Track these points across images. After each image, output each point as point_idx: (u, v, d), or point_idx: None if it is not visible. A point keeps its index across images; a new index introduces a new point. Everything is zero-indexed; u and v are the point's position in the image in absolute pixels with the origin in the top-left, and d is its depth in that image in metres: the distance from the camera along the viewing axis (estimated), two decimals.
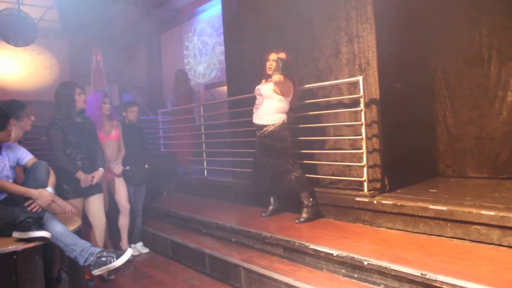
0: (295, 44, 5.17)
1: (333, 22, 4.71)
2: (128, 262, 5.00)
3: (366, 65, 4.39)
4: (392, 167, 4.57)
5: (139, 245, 5.50)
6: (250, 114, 5.57)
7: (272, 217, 4.85)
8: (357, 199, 4.19)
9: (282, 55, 4.46)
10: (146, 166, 5.46)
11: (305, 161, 4.93)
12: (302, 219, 4.45)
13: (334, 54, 4.72)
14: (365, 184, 4.26)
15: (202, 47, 11.01)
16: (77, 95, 4.20)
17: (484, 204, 3.53)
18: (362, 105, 4.25)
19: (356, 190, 4.38)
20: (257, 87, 4.65)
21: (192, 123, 7.77)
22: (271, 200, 4.97)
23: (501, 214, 3.20)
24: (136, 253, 5.38)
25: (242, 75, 6.04)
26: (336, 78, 4.69)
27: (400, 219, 3.85)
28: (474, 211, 3.35)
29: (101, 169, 4.36)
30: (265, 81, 4.61)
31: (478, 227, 3.35)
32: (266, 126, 4.51)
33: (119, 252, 3.31)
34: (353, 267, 3.33)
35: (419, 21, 5.20)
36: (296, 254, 3.83)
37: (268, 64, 4.52)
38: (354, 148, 4.51)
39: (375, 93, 4.34)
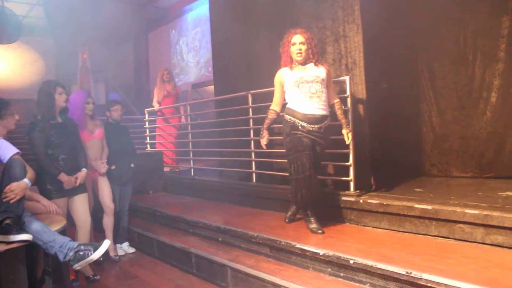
0: (276, 43, 5.17)
1: (319, 22, 4.73)
2: (114, 262, 5.05)
3: (352, 65, 4.42)
4: (378, 166, 4.60)
5: (125, 245, 5.45)
6: (237, 113, 5.60)
7: (259, 217, 4.84)
8: (343, 198, 4.21)
9: (310, 35, 4.00)
10: (132, 165, 5.41)
11: (285, 161, 4.94)
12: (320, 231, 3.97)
13: (320, 53, 4.72)
14: (351, 183, 4.28)
15: (190, 46, 10.99)
16: (58, 94, 4.13)
17: (468, 203, 3.57)
18: (349, 105, 4.27)
19: (342, 189, 4.39)
20: (301, 74, 3.92)
21: (178, 122, 7.74)
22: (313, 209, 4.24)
23: (485, 212, 3.23)
24: (122, 253, 5.34)
25: (229, 74, 6.03)
26: None
27: (386, 218, 3.88)
28: (458, 210, 3.39)
29: (84, 169, 4.31)
30: (298, 66, 4.00)
31: (462, 225, 3.39)
32: (328, 116, 3.97)
33: (96, 244, 3.26)
34: (339, 266, 3.33)
35: (406, 22, 5.24)
36: (283, 253, 3.83)
37: (295, 49, 3.93)
38: (339, 149, 4.51)
39: (362, 93, 4.37)
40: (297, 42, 3.93)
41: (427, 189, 4.43)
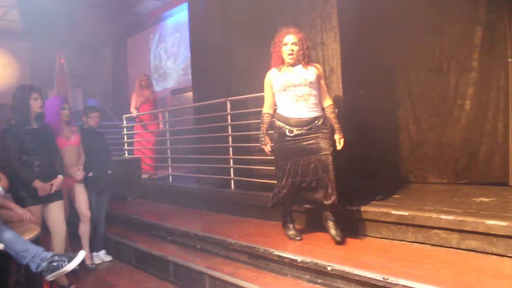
0: (259, 50, 5.19)
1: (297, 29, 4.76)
2: (90, 270, 4.96)
3: (330, 73, 4.46)
4: (356, 173, 4.63)
5: (102, 253, 5.37)
6: (216, 119, 5.59)
7: (237, 224, 4.82)
8: None
9: (302, 36, 3.86)
10: (109, 172, 5.35)
11: (268, 167, 4.96)
12: (341, 235, 3.74)
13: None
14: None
15: (169, 52, 10.94)
16: (33, 99, 4.07)
17: (444, 209, 3.62)
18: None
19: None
20: (288, 77, 3.77)
21: (156, 129, 7.69)
22: (291, 216, 4.17)
23: (459, 218, 3.28)
24: (99, 261, 5.25)
25: (207, 80, 6.02)
26: None
27: (367, 225, 3.90)
28: (434, 216, 3.43)
29: (60, 176, 4.24)
30: (289, 67, 3.84)
31: (438, 231, 3.44)
32: (319, 116, 3.80)
33: (71, 255, 3.20)
34: (317, 273, 3.34)
35: (383, 31, 5.31)
36: (261, 260, 3.82)
37: (286, 49, 3.77)
38: None
39: (339, 100, 4.40)
40: (289, 42, 3.76)
41: (404, 195, 4.48)
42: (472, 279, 2.76)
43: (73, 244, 5.03)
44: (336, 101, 4.41)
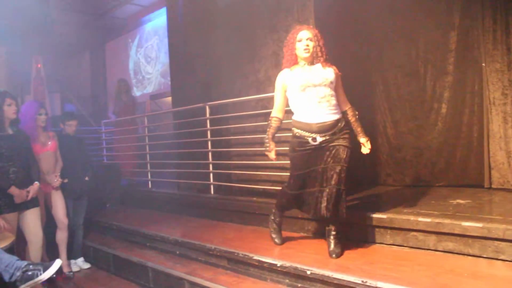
0: (238, 55, 5.22)
1: (274, 34, 4.80)
2: (68, 279, 4.88)
3: None
4: None
5: (80, 260, 5.29)
6: (196, 124, 5.56)
7: (217, 229, 4.80)
8: None
9: (317, 32, 3.57)
10: (87, 178, 5.27)
11: (247, 172, 4.96)
12: (338, 252, 3.49)
13: (274, 65, 4.79)
14: None
15: (148, 57, 10.88)
16: (6, 105, 4.00)
17: (421, 211, 3.67)
18: None
19: None
20: (307, 77, 3.46)
21: (136, 134, 7.63)
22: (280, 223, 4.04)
23: (437, 220, 3.32)
24: (77, 269, 5.17)
25: (187, 85, 6.00)
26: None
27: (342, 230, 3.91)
28: (411, 219, 3.47)
29: (36, 182, 4.16)
30: (307, 65, 3.54)
31: (415, 233, 3.47)
32: (340, 119, 3.51)
33: (47, 264, 3.13)
34: (296, 277, 3.34)
35: (361, 35, 5.37)
36: (240, 265, 3.81)
37: (301, 45, 3.48)
38: None
39: None
40: (303, 38, 3.49)
41: (383, 199, 4.52)
42: (448, 280, 2.79)
43: (51, 252, 4.94)
44: None
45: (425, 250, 3.40)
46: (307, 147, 3.48)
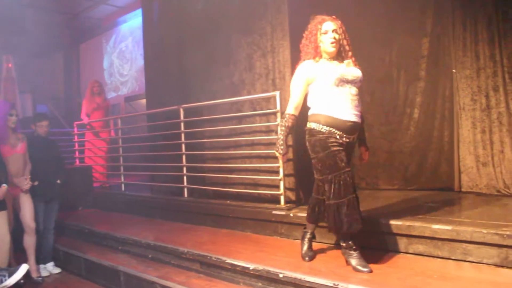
0: (213, 57, 5.21)
1: (248, 37, 4.81)
2: (36, 283, 4.76)
3: (280, 80, 4.52)
4: (309, 180, 4.66)
5: (50, 265, 5.16)
6: (170, 127, 5.52)
7: (190, 232, 4.77)
8: (274, 212, 4.25)
9: (341, 23, 3.25)
10: (58, 181, 5.16)
11: (221, 175, 4.94)
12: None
13: (248, 68, 4.81)
14: (282, 197, 4.33)
15: (123, 58, 10.76)
16: None
17: (393, 214, 3.70)
18: (278, 120, 4.33)
19: (273, 203, 4.43)
20: (341, 71, 3.11)
21: (109, 136, 7.53)
22: (312, 232, 3.57)
23: (407, 223, 3.37)
24: (46, 273, 5.04)
25: (161, 88, 5.96)
26: (249, 93, 4.81)
27: (316, 231, 3.91)
28: (383, 222, 3.51)
29: (4, 185, 4.06)
30: (334, 61, 3.23)
31: (388, 236, 3.51)
32: (360, 123, 3.25)
33: (12, 269, 3.07)
34: (269, 280, 3.33)
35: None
36: (213, 269, 3.78)
37: (327, 38, 3.15)
38: (269, 163, 4.57)
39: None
40: (329, 30, 3.14)
41: None
42: (418, 282, 2.83)
43: (19, 258, 4.81)
44: (285, 108, 4.43)
45: (396, 253, 3.44)
46: (336, 143, 3.09)
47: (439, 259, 3.21)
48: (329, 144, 3.08)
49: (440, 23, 4.79)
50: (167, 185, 5.83)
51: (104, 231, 5.32)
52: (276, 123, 4.37)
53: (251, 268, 3.42)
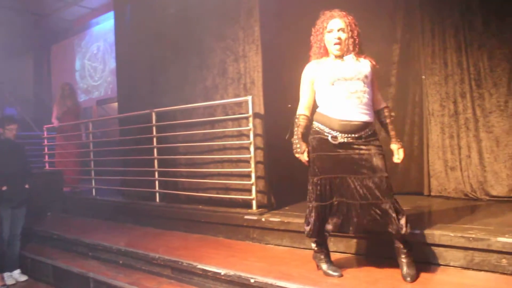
0: (186, 62, 5.18)
1: (221, 42, 4.82)
2: None
3: (251, 85, 4.53)
4: (281, 185, 4.70)
5: (16, 272, 5.04)
6: (142, 131, 5.46)
7: (161, 237, 4.72)
8: (245, 217, 4.25)
9: (351, 20, 3.06)
10: (27, 186, 5.05)
11: (193, 180, 4.91)
12: (413, 274, 2.94)
13: (221, 73, 4.82)
14: (254, 202, 4.34)
15: (95, 61, 10.61)
16: None
17: None
18: (250, 124, 4.34)
19: (245, 208, 4.43)
20: (338, 69, 3.01)
21: (79, 140, 7.40)
22: (324, 244, 3.27)
23: None
24: (12, 281, 4.93)
25: (133, 91, 5.90)
26: (222, 97, 4.82)
27: (287, 235, 3.95)
28: None
29: None
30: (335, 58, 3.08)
31: (358, 240, 3.54)
32: (370, 123, 3.01)
33: None
34: (240, 286, 3.32)
35: (307, 44, 5.45)
36: (185, 274, 3.75)
37: (331, 37, 3.02)
38: (241, 168, 4.58)
39: (260, 112, 4.47)
40: (334, 29, 3.01)
41: None
42: (388, 285, 2.87)
43: None
44: (257, 115, 4.46)
45: (366, 257, 3.47)
46: (327, 147, 2.99)
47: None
48: (319, 146, 3.03)
49: (410, 30, 4.89)
50: (138, 189, 5.76)
51: (73, 236, 5.22)
52: (247, 127, 4.38)
53: (222, 274, 3.40)
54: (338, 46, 3.00)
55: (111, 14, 8.22)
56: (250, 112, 4.35)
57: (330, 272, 3.12)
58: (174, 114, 5.28)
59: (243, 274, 3.28)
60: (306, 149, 3.16)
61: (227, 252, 3.94)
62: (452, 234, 3.12)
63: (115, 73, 7.88)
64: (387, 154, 3.05)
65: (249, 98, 4.36)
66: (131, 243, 4.59)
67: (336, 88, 2.98)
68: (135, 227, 5.38)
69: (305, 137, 3.19)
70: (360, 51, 3.06)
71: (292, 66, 5.30)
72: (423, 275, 2.99)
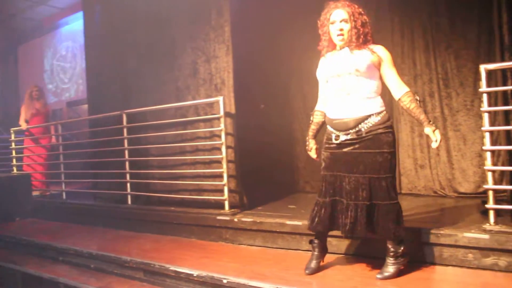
0: (157, 62, 5.14)
1: (193, 42, 4.80)
2: None
3: (221, 85, 4.53)
4: (254, 185, 4.71)
5: None
6: (113, 133, 5.39)
7: (133, 240, 4.66)
8: (218, 218, 4.24)
9: (355, 9, 2.91)
10: None
11: (165, 181, 4.88)
12: (386, 274, 2.94)
13: (193, 73, 4.80)
14: (226, 203, 4.34)
15: (65, 62, 10.43)
16: None
17: None
18: (222, 125, 4.34)
19: (217, 209, 4.42)
20: (331, 65, 2.95)
21: (49, 143, 7.25)
22: (319, 245, 3.18)
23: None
24: None
25: (103, 92, 5.81)
26: (194, 98, 4.81)
27: (260, 235, 3.96)
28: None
29: None
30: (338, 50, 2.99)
31: (330, 239, 3.54)
32: (367, 118, 2.86)
33: None
34: (213, 286, 3.30)
35: (278, 44, 5.50)
36: (157, 276, 3.71)
37: (334, 29, 2.91)
38: (213, 168, 4.57)
39: (231, 112, 4.48)
40: (337, 20, 2.89)
41: (300, 206, 4.62)
42: (358, 283, 2.90)
43: None
44: (228, 115, 4.44)
45: (339, 255, 3.51)
46: (331, 145, 2.98)
47: (380, 260, 3.29)
48: (326, 144, 3.03)
49: (379, 29, 4.95)
50: (110, 192, 5.68)
51: (43, 241, 5.09)
52: (219, 128, 4.38)
53: (195, 275, 3.38)
54: (341, 37, 2.90)
55: (80, 14, 8.11)
56: (222, 113, 4.34)
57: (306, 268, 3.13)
58: (145, 115, 5.23)
59: (216, 275, 3.27)
60: (315, 147, 3.22)
61: (200, 253, 3.92)
62: (421, 231, 3.18)
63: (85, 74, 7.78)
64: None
65: (220, 98, 4.35)
66: (102, 246, 4.52)
67: (330, 85, 2.98)
68: (107, 230, 5.29)
69: (321, 133, 3.22)
70: (365, 41, 2.89)
71: (262, 65, 5.37)
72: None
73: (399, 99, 2.93)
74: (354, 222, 2.86)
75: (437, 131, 2.82)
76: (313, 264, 3.14)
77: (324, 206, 3.00)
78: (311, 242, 3.18)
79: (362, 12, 2.91)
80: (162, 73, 5.10)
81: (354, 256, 3.46)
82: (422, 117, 2.87)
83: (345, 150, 2.91)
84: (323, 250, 3.19)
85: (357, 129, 2.86)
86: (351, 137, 2.88)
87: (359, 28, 2.86)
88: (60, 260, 4.73)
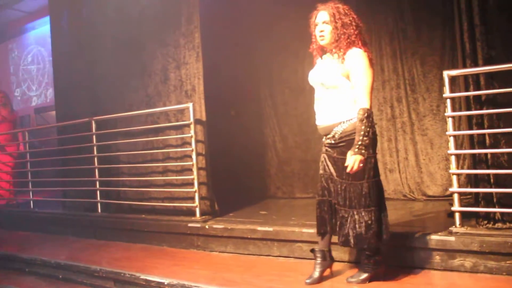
0: (127, 68, 5.09)
1: (163, 49, 4.78)
2: None
3: (192, 92, 4.52)
4: (225, 191, 4.70)
5: None
6: (80, 140, 5.30)
7: (104, 249, 4.59)
8: (189, 225, 4.22)
9: (336, 10, 2.79)
10: None
11: (133, 189, 4.83)
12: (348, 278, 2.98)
13: (163, 80, 4.78)
14: (197, 210, 4.32)
15: (33, 67, 10.21)
16: None
17: (306, 222, 3.80)
18: (192, 132, 4.32)
19: (189, 216, 4.39)
20: (312, 71, 3.00)
21: (16, 151, 7.08)
22: (323, 254, 3.05)
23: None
24: None
25: (71, 99, 5.72)
26: (165, 104, 4.78)
27: (231, 242, 3.96)
28: (296, 230, 3.60)
29: None
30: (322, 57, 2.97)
31: (300, 244, 3.60)
32: (337, 125, 2.83)
33: None
34: None
35: (249, 51, 5.53)
36: (128, 286, 3.66)
37: (317, 31, 2.84)
38: (184, 175, 4.54)
39: (202, 119, 4.46)
40: (319, 22, 2.82)
41: (272, 211, 4.64)
42: (327, 287, 2.92)
43: None
44: (198, 121, 4.43)
45: (310, 260, 3.47)
46: (323, 149, 3.00)
47: (352, 264, 3.33)
48: (322, 147, 3.03)
49: None
50: (79, 200, 5.57)
51: (8, 252, 4.98)
52: (189, 135, 4.36)
53: (166, 283, 3.35)
54: (322, 39, 2.83)
55: (48, 19, 7.96)
56: (191, 119, 4.32)
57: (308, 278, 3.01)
58: (115, 122, 5.16)
59: (186, 283, 3.24)
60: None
61: (171, 261, 3.89)
62: (392, 235, 3.22)
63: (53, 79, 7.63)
64: None
65: (190, 105, 4.34)
66: (71, 256, 4.44)
67: (315, 92, 3.01)
68: (76, 240, 5.20)
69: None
70: (349, 42, 2.76)
71: (233, 71, 5.38)
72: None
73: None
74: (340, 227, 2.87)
75: (354, 156, 2.66)
76: (315, 273, 3.01)
77: (319, 204, 3.05)
78: (312, 250, 3.11)
79: (348, 12, 2.81)
80: (132, 79, 5.06)
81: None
82: (357, 138, 2.69)
83: (329, 153, 2.93)
84: (325, 258, 3.04)
85: (331, 135, 2.87)
86: (329, 141, 2.90)
87: (339, 29, 2.76)
88: (27, 271, 4.62)
